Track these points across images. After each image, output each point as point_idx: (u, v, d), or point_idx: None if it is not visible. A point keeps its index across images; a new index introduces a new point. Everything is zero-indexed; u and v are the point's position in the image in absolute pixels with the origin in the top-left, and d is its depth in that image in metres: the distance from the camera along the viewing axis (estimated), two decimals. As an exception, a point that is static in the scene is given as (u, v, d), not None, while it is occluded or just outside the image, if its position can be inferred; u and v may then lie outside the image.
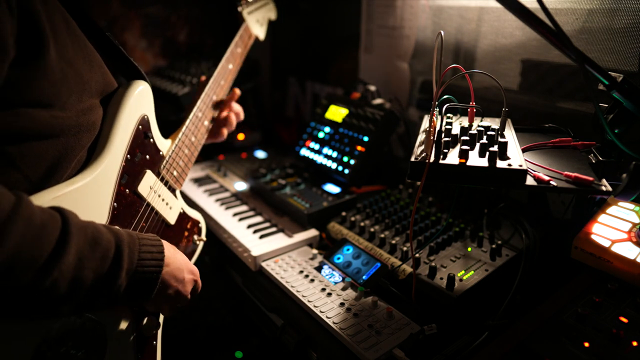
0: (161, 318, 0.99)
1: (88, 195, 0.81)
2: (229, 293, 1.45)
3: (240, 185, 1.65)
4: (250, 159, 1.92)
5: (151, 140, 1.00)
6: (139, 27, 2.11)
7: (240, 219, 1.43)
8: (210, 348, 1.62)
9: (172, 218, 1.05)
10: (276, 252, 1.24)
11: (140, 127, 0.95)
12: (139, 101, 0.96)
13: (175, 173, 1.07)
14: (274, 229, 1.36)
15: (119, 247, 0.72)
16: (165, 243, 0.84)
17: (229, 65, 1.37)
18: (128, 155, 0.91)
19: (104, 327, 0.84)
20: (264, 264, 1.20)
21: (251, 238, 1.31)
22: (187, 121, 1.15)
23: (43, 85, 0.72)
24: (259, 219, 1.44)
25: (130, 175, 0.92)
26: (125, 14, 2.05)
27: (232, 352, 1.53)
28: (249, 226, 1.38)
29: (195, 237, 1.15)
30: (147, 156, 0.98)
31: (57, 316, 0.75)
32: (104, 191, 0.85)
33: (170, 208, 1.05)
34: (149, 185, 0.97)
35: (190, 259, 1.13)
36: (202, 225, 1.18)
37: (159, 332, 0.99)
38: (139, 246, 0.77)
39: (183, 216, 1.10)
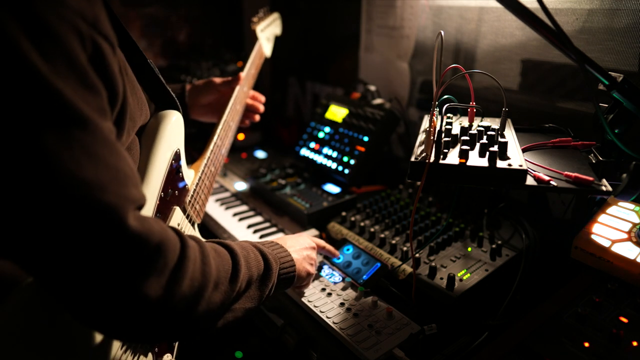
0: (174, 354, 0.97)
1: None
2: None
3: (240, 185, 1.65)
4: (250, 159, 1.92)
5: (180, 175, 0.96)
6: (139, 27, 2.11)
7: (240, 219, 1.43)
8: (210, 348, 1.62)
9: None
10: (276, 252, 1.24)
11: (173, 162, 0.92)
12: (173, 135, 0.92)
13: (197, 207, 1.04)
14: (274, 229, 1.36)
15: (255, 246, 0.86)
16: (279, 239, 1.00)
17: (244, 88, 1.33)
18: (162, 194, 0.87)
19: None
20: (264, 264, 1.20)
21: (251, 238, 1.31)
22: (209, 151, 1.10)
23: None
24: (259, 219, 1.44)
25: (162, 214, 0.88)
26: (125, 14, 2.05)
27: (232, 352, 1.52)
28: (249, 226, 1.38)
29: None
30: (176, 192, 0.94)
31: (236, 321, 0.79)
32: None
33: None
34: (177, 222, 0.93)
35: None
36: None
37: None
38: (261, 244, 0.90)
39: None
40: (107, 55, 0.59)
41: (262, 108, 1.44)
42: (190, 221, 1.01)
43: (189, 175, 1.01)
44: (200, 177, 1.05)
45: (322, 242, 1.14)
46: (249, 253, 0.83)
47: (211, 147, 1.11)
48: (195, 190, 1.02)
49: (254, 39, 1.48)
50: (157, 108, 0.97)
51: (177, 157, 0.94)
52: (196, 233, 1.06)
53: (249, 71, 1.37)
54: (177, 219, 0.93)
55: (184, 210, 0.98)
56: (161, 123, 0.90)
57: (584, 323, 0.79)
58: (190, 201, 1.00)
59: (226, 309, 0.74)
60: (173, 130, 0.92)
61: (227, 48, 2.34)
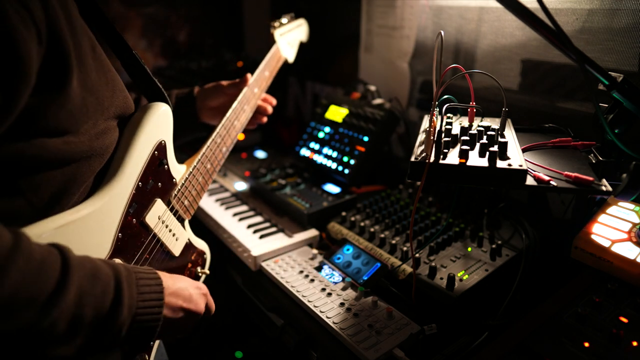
0: (152, 356, 0.92)
1: (93, 225, 0.76)
2: (229, 293, 1.45)
3: (240, 185, 1.65)
4: (250, 159, 1.92)
5: (166, 167, 0.94)
6: (139, 27, 2.11)
7: (240, 219, 1.43)
8: (210, 348, 1.62)
9: (177, 250, 0.99)
10: (276, 252, 1.24)
11: (156, 153, 0.90)
12: (157, 125, 0.90)
13: (186, 202, 1.02)
14: (274, 229, 1.36)
15: (118, 281, 0.67)
16: (161, 273, 0.78)
17: (254, 89, 1.31)
18: (140, 183, 0.86)
19: None
20: (264, 264, 1.20)
21: (251, 238, 1.31)
22: (205, 147, 1.08)
23: (60, 115, 0.68)
24: (259, 219, 1.44)
25: (139, 204, 0.86)
26: (125, 14, 2.05)
27: (232, 352, 1.52)
28: (249, 226, 1.38)
29: (199, 269, 1.09)
30: (160, 184, 0.92)
31: None
32: (109, 221, 0.80)
33: (176, 239, 0.99)
34: (157, 215, 0.91)
35: None
36: (207, 256, 1.12)
37: None
38: (136, 279, 0.71)
39: (188, 247, 1.05)
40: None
41: (270, 110, 1.42)
42: (176, 216, 0.99)
43: (179, 170, 1.00)
44: (191, 173, 1.03)
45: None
46: (96, 286, 0.64)
47: (208, 143, 1.10)
48: (184, 184, 1.00)
49: (271, 42, 1.46)
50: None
51: (160, 148, 0.92)
52: (185, 230, 1.04)
53: (261, 73, 1.35)
54: (158, 211, 0.92)
55: (169, 204, 0.96)
56: (146, 113, 0.89)
57: (584, 323, 0.79)
58: (176, 195, 0.98)
59: (17, 350, 0.57)
60: (158, 121, 0.91)
61: (227, 48, 2.34)
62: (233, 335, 1.61)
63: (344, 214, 1.34)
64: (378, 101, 1.65)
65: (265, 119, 1.43)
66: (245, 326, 1.57)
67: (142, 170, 0.87)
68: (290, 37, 1.55)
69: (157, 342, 0.94)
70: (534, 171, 0.86)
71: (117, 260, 0.81)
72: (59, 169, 0.72)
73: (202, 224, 1.49)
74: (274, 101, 1.44)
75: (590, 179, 0.82)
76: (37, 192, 0.70)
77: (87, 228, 0.75)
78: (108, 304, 0.64)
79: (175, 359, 1.18)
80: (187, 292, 0.81)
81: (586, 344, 0.74)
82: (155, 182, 0.91)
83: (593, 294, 0.85)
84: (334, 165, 1.55)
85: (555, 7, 1.23)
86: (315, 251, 1.24)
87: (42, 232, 0.67)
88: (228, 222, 1.41)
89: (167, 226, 0.96)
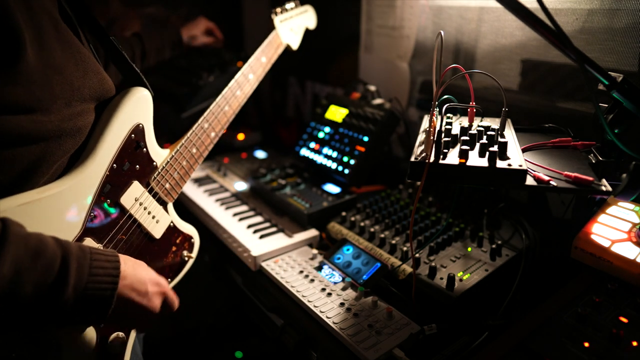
0: (131, 336, 0.94)
1: (61, 204, 0.78)
2: (229, 293, 1.45)
3: (240, 185, 1.65)
4: (250, 159, 1.92)
5: (144, 150, 0.96)
6: (139, 27, 2.11)
7: (240, 219, 1.43)
8: (210, 348, 1.62)
9: (157, 232, 1.01)
10: (276, 252, 1.24)
11: (132, 136, 0.92)
12: (135, 109, 0.93)
13: (167, 185, 1.03)
14: (274, 229, 1.36)
15: (66, 260, 0.67)
16: (124, 258, 0.78)
17: (249, 75, 1.29)
18: (114, 165, 0.88)
19: (60, 346, 0.78)
20: (264, 264, 1.20)
21: (251, 238, 1.31)
22: (190, 132, 1.10)
23: (17, 91, 0.69)
24: (259, 219, 1.44)
25: (113, 185, 0.89)
26: (125, 14, 2.05)
27: (232, 352, 1.53)
28: (249, 226, 1.38)
29: (185, 252, 1.10)
30: (137, 166, 0.95)
31: None
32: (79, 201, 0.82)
33: (157, 222, 1.01)
34: (134, 197, 0.94)
35: (176, 275, 1.09)
36: (195, 241, 1.14)
37: (128, 347, 0.93)
38: (90, 261, 0.71)
39: (172, 230, 1.06)
40: None
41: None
42: (156, 198, 1.00)
43: (160, 153, 1.01)
44: (173, 156, 1.04)
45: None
46: (37, 263, 0.64)
47: (194, 128, 1.10)
48: (164, 168, 1.02)
49: (270, 28, 1.45)
50: None
51: (138, 131, 0.94)
52: (168, 214, 1.05)
53: (256, 59, 1.34)
54: (135, 193, 0.94)
55: (147, 186, 0.98)
56: (124, 97, 0.91)
57: (584, 323, 0.79)
58: (156, 178, 1.00)
59: None
60: (136, 104, 0.93)
61: (227, 48, 2.34)
62: (233, 335, 1.61)
63: (344, 214, 1.34)
64: (378, 101, 1.65)
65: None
66: (245, 326, 1.57)
67: (117, 153, 0.89)
68: (293, 23, 1.55)
69: (130, 342, 0.94)
70: (534, 171, 0.86)
71: (89, 240, 0.84)
72: (27, 146, 0.73)
73: (202, 224, 1.49)
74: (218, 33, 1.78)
75: (590, 179, 0.82)
76: (3, 169, 0.71)
77: (55, 207, 0.77)
78: (50, 281, 0.65)
79: (176, 358, 1.18)
80: (144, 287, 0.80)
81: (586, 344, 0.74)
82: (132, 164, 0.93)
83: (593, 294, 0.85)
84: (334, 165, 1.55)
85: (555, 7, 1.23)
86: (315, 251, 1.24)
87: (3, 209, 0.69)
88: (228, 222, 1.41)
89: (145, 208, 0.97)
